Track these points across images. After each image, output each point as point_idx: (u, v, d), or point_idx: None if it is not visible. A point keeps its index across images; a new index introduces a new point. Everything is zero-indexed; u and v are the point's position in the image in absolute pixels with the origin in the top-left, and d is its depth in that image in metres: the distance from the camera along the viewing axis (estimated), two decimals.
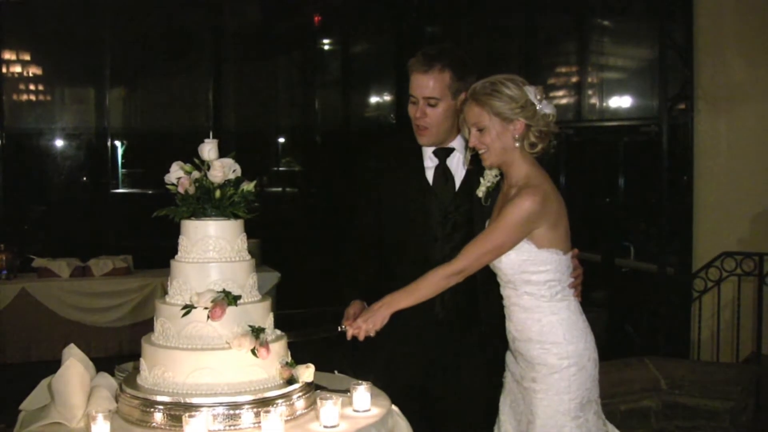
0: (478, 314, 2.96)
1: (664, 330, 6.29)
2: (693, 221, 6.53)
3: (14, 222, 8.22)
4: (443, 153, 3.00)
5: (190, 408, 2.29)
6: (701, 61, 6.45)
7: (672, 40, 6.49)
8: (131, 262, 7.22)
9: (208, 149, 2.54)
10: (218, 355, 2.37)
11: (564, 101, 8.32)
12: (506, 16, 8.61)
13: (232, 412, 2.31)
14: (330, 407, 2.34)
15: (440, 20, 9.31)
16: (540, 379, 2.62)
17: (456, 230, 2.95)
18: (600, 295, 7.25)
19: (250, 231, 2.59)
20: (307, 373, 2.47)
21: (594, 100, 8.12)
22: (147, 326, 2.62)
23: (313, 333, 2.73)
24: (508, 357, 2.78)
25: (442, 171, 2.99)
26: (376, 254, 3.08)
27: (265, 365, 2.42)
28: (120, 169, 9.08)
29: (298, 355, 2.59)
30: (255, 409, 2.32)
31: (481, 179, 2.78)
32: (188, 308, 2.39)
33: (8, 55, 8.33)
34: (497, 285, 2.73)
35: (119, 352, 6.72)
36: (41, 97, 8.66)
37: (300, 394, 2.46)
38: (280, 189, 9.88)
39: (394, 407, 2.60)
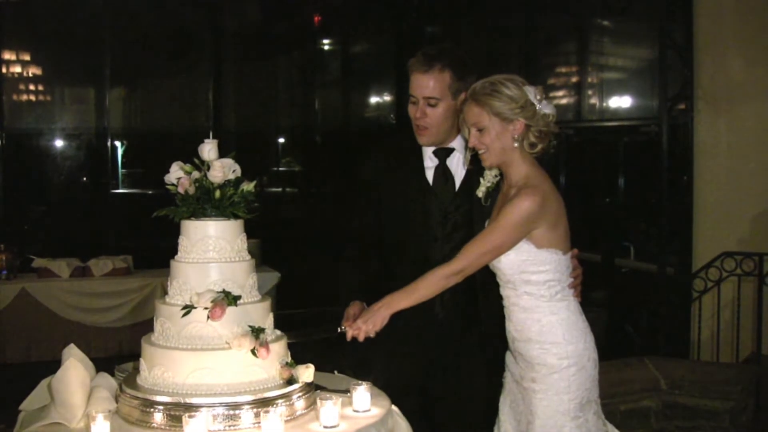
0: (478, 314, 2.95)
1: (664, 330, 6.29)
2: (693, 221, 6.53)
3: (14, 222, 8.22)
4: (443, 153, 3.00)
5: (190, 408, 2.29)
6: (701, 61, 6.45)
7: (672, 40, 6.49)
8: (131, 262, 7.22)
9: (208, 149, 2.54)
10: (218, 355, 2.37)
11: (564, 101, 8.32)
12: (506, 16, 8.61)
13: (232, 412, 2.31)
14: (330, 407, 2.34)
15: (440, 20, 9.31)
16: (539, 380, 2.62)
17: (456, 230, 2.95)
18: (600, 295, 7.25)
19: (250, 231, 2.59)
20: (306, 373, 2.47)
21: (594, 100, 8.12)
22: (147, 326, 2.62)
23: (313, 333, 2.73)
24: (508, 357, 2.78)
25: (442, 171, 2.99)
26: (376, 254, 3.08)
27: (265, 365, 2.42)
28: (120, 169, 9.08)
29: (298, 355, 2.59)
30: (255, 410, 2.32)
31: (481, 179, 2.78)
32: (188, 308, 2.39)
33: (8, 55, 8.32)
34: (497, 285, 2.73)
35: (119, 352, 6.71)
36: (41, 97, 8.66)
37: (300, 394, 2.46)
38: (280, 189, 9.88)
39: (394, 407, 2.60)
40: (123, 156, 9.07)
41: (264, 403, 2.34)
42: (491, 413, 2.83)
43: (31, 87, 8.56)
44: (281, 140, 9.98)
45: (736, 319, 5.81)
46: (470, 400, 2.98)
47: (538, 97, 2.59)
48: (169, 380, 2.37)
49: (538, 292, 2.62)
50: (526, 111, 2.58)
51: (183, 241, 2.52)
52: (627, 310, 7.09)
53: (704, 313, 6.04)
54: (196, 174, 2.52)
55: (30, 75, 8.50)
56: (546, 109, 2.60)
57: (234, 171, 2.54)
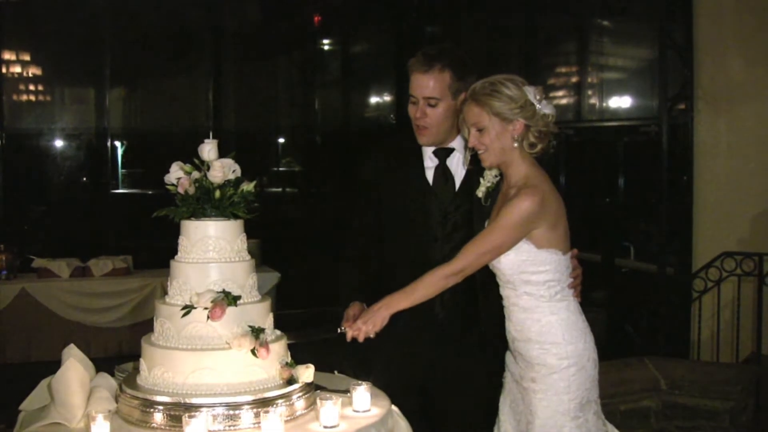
0: (478, 314, 2.95)
1: (664, 330, 6.29)
2: (693, 221, 6.53)
3: (14, 222, 8.22)
4: (443, 153, 2.99)
5: (190, 408, 2.29)
6: (701, 61, 6.45)
7: (672, 40, 6.49)
8: (131, 262, 7.22)
9: (208, 149, 2.54)
10: (218, 355, 2.37)
11: (564, 101, 8.32)
12: (506, 16, 8.61)
13: (231, 412, 2.31)
14: (330, 407, 2.34)
15: (440, 20, 9.31)
16: (539, 380, 2.62)
17: (456, 230, 2.95)
18: (600, 295, 7.25)
19: (250, 231, 2.59)
20: (306, 373, 2.47)
21: (594, 101, 8.12)
22: (147, 326, 2.62)
23: (312, 334, 2.73)
24: (508, 357, 2.78)
25: (442, 171, 2.99)
26: (375, 254, 3.08)
27: (265, 365, 2.42)
28: (120, 169, 9.08)
29: (298, 355, 2.59)
30: (255, 410, 2.32)
31: (481, 179, 2.78)
32: (188, 308, 2.39)
33: (8, 55, 8.32)
34: (497, 285, 2.73)
35: (119, 352, 6.72)
36: (41, 97, 8.66)
37: (300, 394, 2.46)
38: (280, 189, 9.88)
39: (394, 407, 2.60)
40: (123, 156, 9.07)
41: (264, 403, 2.34)
42: (491, 413, 2.83)
43: (31, 87, 8.56)
44: (281, 140, 9.98)
45: (736, 319, 5.81)
46: (470, 400, 2.98)
47: (538, 98, 2.59)
48: (169, 380, 2.37)
49: (537, 292, 2.62)
50: (525, 111, 2.58)
51: (183, 241, 2.52)
52: (627, 310, 7.09)
53: (704, 313, 6.03)
54: (196, 174, 2.51)
55: (30, 75, 8.50)
56: (546, 109, 2.60)
57: (234, 171, 2.54)
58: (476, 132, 2.63)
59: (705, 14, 6.44)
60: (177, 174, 2.53)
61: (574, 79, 8.33)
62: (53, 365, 2.48)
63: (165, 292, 2.56)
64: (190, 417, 2.21)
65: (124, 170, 9.12)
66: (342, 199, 8.79)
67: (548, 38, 8.50)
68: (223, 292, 2.41)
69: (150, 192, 8.80)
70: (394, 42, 9.73)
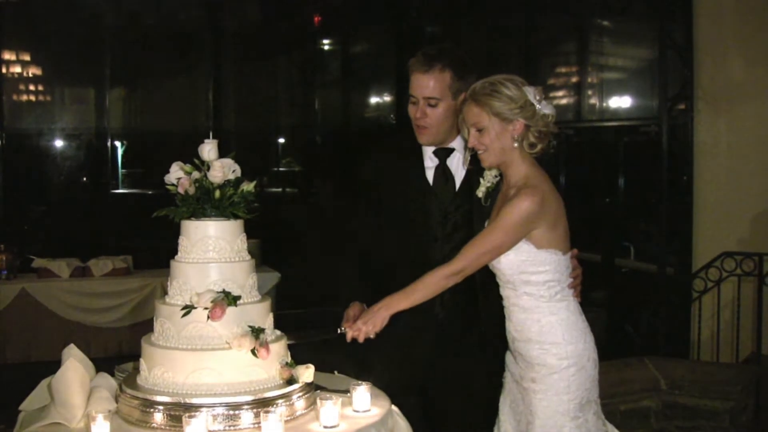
0: (478, 314, 2.95)
1: (664, 330, 6.29)
2: (693, 221, 6.53)
3: (14, 222, 8.22)
4: (443, 153, 2.99)
5: (190, 408, 2.29)
6: (701, 61, 6.45)
7: (672, 40, 6.49)
8: (131, 262, 7.22)
9: (208, 149, 2.54)
10: (218, 355, 2.37)
11: (564, 101, 8.32)
12: (506, 16, 8.61)
13: (231, 412, 2.31)
14: (330, 407, 2.34)
15: (440, 20, 9.31)
16: (539, 380, 2.62)
17: (456, 230, 2.95)
18: (600, 295, 7.25)
19: (250, 231, 2.59)
20: (306, 373, 2.47)
21: (594, 101, 8.12)
22: (147, 326, 2.62)
23: (312, 335, 2.73)
24: (508, 357, 2.78)
25: (442, 171, 2.99)
26: (376, 254, 3.08)
27: (265, 365, 2.42)
28: (120, 169, 9.08)
29: (298, 355, 2.59)
30: (255, 410, 2.32)
31: (481, 179, 2.78)
32: (188, 308, 2.39)
33: (8, 55, 8.32)
34: (497, 285, 2.73)
35: (119, 352, 6.71)
36: (41, 97, 8.66)
37: (300, 394, 2.46)
38: (280, 189, 9.88)
39: (394, 407, 2.60)
40: (123, 156, 9.07)
41: (264, 403, 2.34)
42: (491, 413, 2.83)
43: (31, 87, 8.56)
44: (281, 140, 9.98)
45: (736, 319, 5.81)
46: (470, 400, 2.98)
47: (538, 98, 2.59)
48: (169, 380, 2.37)
49: (537, 293, 2.62)
50: (525, 111, 2.58)
51: (183, 241, 2.52)
52: (627, 310, 7.09)
53: (704, 313, 6.03)
54: (196, 174, 2.51)
55: (30, 75, 8.50)
56: (545, 109, 2.60)
57: (234, 171, 2.54)
58: (476, 132, 2.63)
59: (705, 14, 6.44)
60: (177, 174, 2.53)
61: (574, 79, 8.33)
62: (53, 365, 2.48)
63: (165, 292, 2.56)
64: (190, 417, 2.21)
65: (124, 170, 9.12)
66: (342, 199, 8.79)
67: (548, 38, 8.51)
68: (223, 292, 2.41)
69: (150, 192, 8.80)
70: (394, 42, 9.73)
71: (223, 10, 9.07)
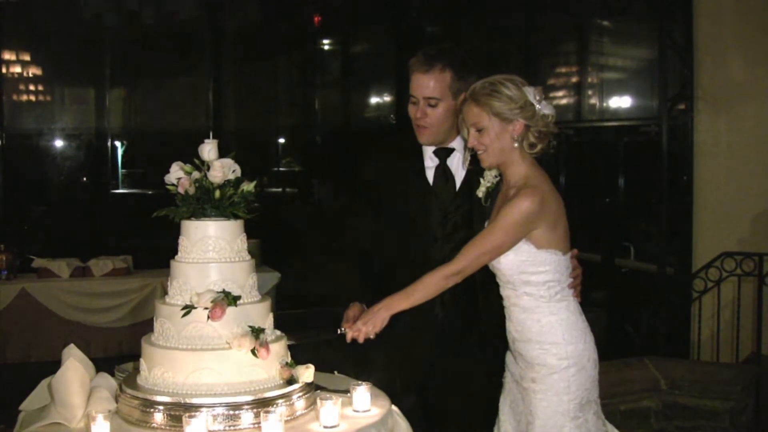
0: (478, 314, 2.95)
1: (664, 330, 6.29)
2: (693, 221, 6.53)
3: (14, 222, 8.22)
4: (444, 153, 2.99)
5: (190, 408, 2.29)
6: (701, 61, 6.45)
7: (672, 40, 6.49)
8: (131, 262, 7.22)
9: (208, 149, 2.54)
10: (218, 355, 2.37)
11: (564, 101, 8.32)
12: (506, 16, 8.62)
13: (232, 412, 2.31)
14: (330, 407, 2.34)
15: (440, 20, 9.31)
16: (539, 380, 2.62)
17: (456, 230, 2.94)
18: (600, 295, 7.25)
19: (249, 231, 2.59)
20: (306, 373, 2.47)
21: (594, 101, 8.12)
22: (147, 326, 2.62)
23: (312, 335, 2.73)
24: (508, 357, 2.78)
25: (443, 171, 2.99)
26: (376, 254, 3.08)
27: (265, 365, 2.42)
28: (120, 169, 9.08)
29: (298, 355, 2.59)
30: (255, 410, 2.32)
31: (481, 179, 2.78)
32: (188, 308, 2.39)
33: (8, 55, 8.32)
34: (497, 285, 2.72)
35: (119, 352, 6.71)
36: (41, 97, 8.66)
37: (300, 394, 2.46)
38: (280, 189, 9.88)
39: (393, 407, 2.60)
40: (123, 156, 9.07)
41: (264, 403, 2.34)
42: (491, 413, 2.83)
43: (31, 87, 8.56)
44: (281, 140, 9.98)
45: (736, 319, 5.81)
46: (470, 400, 2.98)
47: (538, 98, 2.59)
48: (169, 380, 2.37)
49: (537, 293, 2.62)
50: (525, 111, 2.58)
51: (183, 241, 2.52)
52: (627, 310, 7.09)
53: (704, 313, 6.03)
54: (196, 174, 2.51)
55: (30, 75, 8.50)
56: (545, 109, 2.60)
57: (234, 171, 2.54)
58: (476, 132, 2.62)
59: (705, 14, 6.44)
60: (177, 174, 2.53)
61: (574, 79, 8.33)
62: (53, 365, 2.48)
63: (165, 292, 2.56)
64: (190, 417, 2.21)
65: (124, 170, 9.12)
66: (342, 199, 8.79)
67: (548, 38, 8.51)
68: (223, 292, 2.41)
69: (150, 192, 8.81)
70: (394, 42, 9.73)
71: (223, 10, 9.07)
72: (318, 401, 2.38)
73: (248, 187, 2.55)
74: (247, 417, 2.31)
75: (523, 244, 2.59)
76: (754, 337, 5.86)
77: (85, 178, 8.87)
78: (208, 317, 2.38)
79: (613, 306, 7.23)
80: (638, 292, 7.12)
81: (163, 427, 2.31)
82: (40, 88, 8.61)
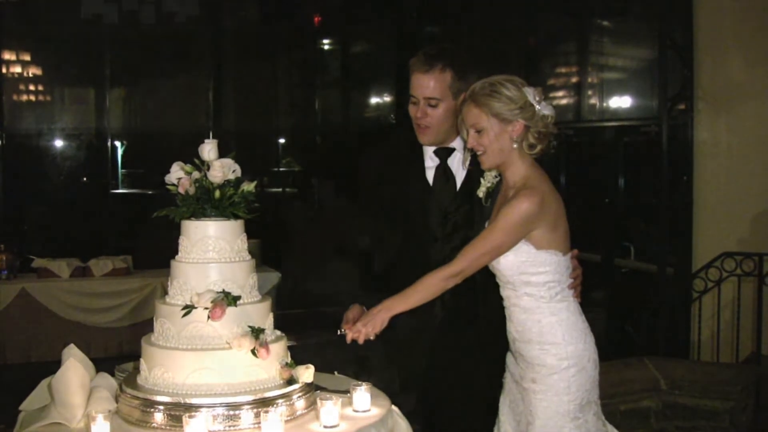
0: (478, 315, 2.95)
1: (664, 330, 6.28)
2: (693, 221, 6.53)
3: (14, 222, 8.22)
4: (444, 153, 2.99)
5: (190, 408, 2.29)
6: (701, 61, 6.45)
7: (672, 41, 6.49)
8: (131, 262, 7.22)
9: (208, 149, 2.54)
10: (218, 355, 2.37)
11: (564, 102, 8.32)
12: (506, 16, 8.61)
13: (232, 412, 2.31)
14: (330, 407, 2.34)
15: (440, 20, 9.31)
16: (539, 380, 2.61)
17: (456, 231, 2.94)
18: (600, 296, 7.25)
19: (249, 231, 2.59)
20: (306, 373, 2.47)
21: (594, 101, 8.12)
22: (147, 326, 2.62)
23: (312, 337, 2.73)
24: (509, 358, 2.77)
25: (443, 171, 2.98)
26: (376, 255, 3.08)
27: (265, 365, 2.42)
28: (120, 169, 9.08)
29: (299, 355, 2.59)
30: (255, 410, 2.32)
31: (482, 179, 2.77)
32: (188, 308, 2.39)
33: (8, 56, 8.33)
34: (497, 286, 2.72)
35: (119, 352, 6.71)
36: (41, 98, 8.66)
37: (300, 394, 2.46)
38: (280, 189, 9.88)
39: (393, 407, 2.60)
40: (123, 156, 9.07)
41: (264, 403, 2.34)
42: (491, 413, 2.83)
43: (31, 87, 8.56)
44: (281, 140, 9.98)
45: (736, 319, 5.80)
46: (470, 400, 2.98)
47: (537, 98, 2.58)
48: (169, 380, 2.37)
49: (538, 293, 2.61)
50: (525, 112, 2.57)
51: (183, 241, 2.52)
52: (627, 310, 7.09)
53: (704, 313, 6.03)
54: (196, 174, 2.51)
55: (30, 75, 8.50)
56: (545, 110, 2.59)
57: (234, 171, 2.54)
58: (475, 133, 2.62)
59: (705, 14, 6.44)
60: (177, 174, 2.53)
61: (574, 80, 8.33)
62: (53, 365, 2.48)
63: (165, 292, 2.56)
64: (190, 417, 2.21)
65: (124, 170, 9.12)
66: (342, 199, 8.80)
67: (548, 38, 8.51)
68: (223, 292, 2.41)
69: (150, 192, 8.81)
70: (394, 42, 9.73)
71: (223, 10, 9.08)
72: (318, 401, 2.38)
73: (248, 187, 2.54)
74: (247, 417, 2.31)
75: (522, 244, 2.59)
76: (754, 337, 5.86)
77: (85, 178, 8.87)
78: (208, 317, 2.38)
79: (613, 306, 7.23)
80: (638, 292, 7.12)
81: (163, 427, 2.31)
82: (40, 88, 8.61)
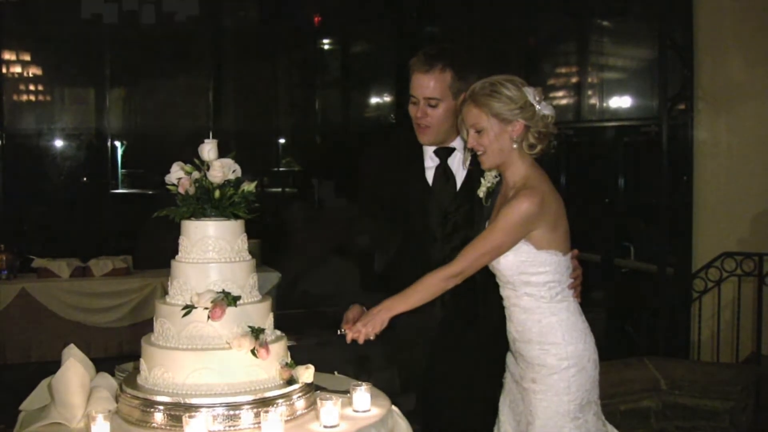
0: (479, 315, 2.95)
1: (664, 330, 6.28)
2: (693, 221, 6.53)
3: (14, 222, 8.22)
4: (444, 152, 2.99)
5: (190, 408, 2.29)
6: (701, 61, 6.45)
7: (672, 41, 6.49)
8: (131, 262, 7.21)
9: (208, 149, 2.53)
10: (218, 355, 2.37)
11: (564, 102, 8.33)
12: (506, 16, 8.61)
13: (231, 412, 2.31)
14: (330, 407, 2.34)
15: (440, 20, 9.31)
16: (539, 380, 2.61)
17: (456, 231, 2.94)
18: (600, 296, 7.25)
19: (249, 231, 2.59)
20: (306, 374, 2.47)
21: (594, 101, 8.13)
22: (147, 326, 2.62)
23: (312, 337, 2.73)
24: (509, 358, 2.77)
25: (443, 171, 2.98)
26: (376, 255, 3.08)
27: (265, 365, 2.42)
28: (120, 169, 9.08)
29: (298, 355, 2.59)
30: (255, 410, 2.32)
31: (482, 179, 2.77)
32: (188, 308, 2.39)
33: (8, 56, 8.33)
34: (497, 286, 2.72)
35: (119, 352, 6.70)
36: (41, 98, 8.66)
37: (300, 394, 2.46)
38: (279, 189, 9.88)
39: (394, 407, 2.60)
40: (123, 156, 9.07)
41: (264, 403, 2.34)
42: (491, 413, 2.83)
43: (31, 87, 8.56)
44: (281, 140, 9.98)
45: (736, 319, 5.80)
46: (470, 400, 2.98)
47: (538, 98, 2.58)
48: (169, 380, 2.37)
49: (538, 293, 2.61)
50: (525, 112, 2.57)
51: (183, 241, 2.52)
52: (627, 310, 7.09)
53: (704, 313, 6.03)
54: (196, 174, 2.51)
55: (30, 75, 8.50)
56: (545, 110, 2.59)
57: (234, 171, 2.54)
58: (475, 133, 2.62)
59: (705, 14, 6.44)
60: (178, 174, 2.53)
61: (574, 80, 8.33)
62: (53, 365, 2.48)
63: (165, 292, 2.56)
64: (190, 417, 2.21)
65: (124, 170, 9.12)
66: (342, 199, 8.80)
67: (548, 38, 8.51)
68: (223, 292, 2.41)
69: (150, 192, 8.81)
70: (394, 42, 9.73)
71: (223, 10, 9.08)
72: (318, 401, 2.38)
73: (249, 187, 2.54)
74: (247, 417, 2.31)
75: (522, 244, 2.58)
76: (754, 337, 5.86)
77: (85, 178, 8.87)
78: (208, 317, 2.38)
79: (613, 306, 7.23)
80: (638, 292, 7.12)
81: (163, 427, 2.31)
82: (40, 88, 8.61)
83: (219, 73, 9.01)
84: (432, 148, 2.99)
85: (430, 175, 2.99)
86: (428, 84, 2.86)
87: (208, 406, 2.30)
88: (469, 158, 2.78)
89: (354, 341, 2.65)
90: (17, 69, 8.40)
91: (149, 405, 2.34)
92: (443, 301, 2.88)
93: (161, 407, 2.32)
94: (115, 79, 8.78)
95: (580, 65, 8.27)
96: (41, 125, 8.59)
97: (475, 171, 2.84)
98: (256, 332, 2.39)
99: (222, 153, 2.56)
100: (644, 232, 7.48)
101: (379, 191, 3.06)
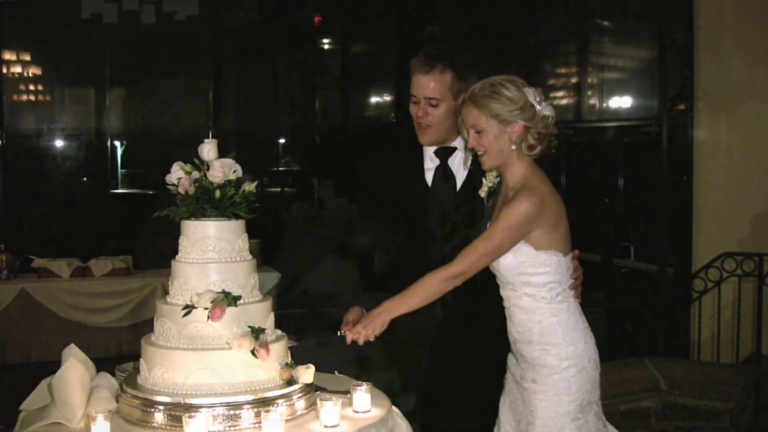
0: (479, 315, 2.95)
1: (664, 330, 6.29)
2: (693, 221, 6.52)
3: (14, 222, 8.22)
4: (445, 153, 2.99)
5: (190, 408, 2.29)
6: (701, 61, 6.45)
7: (672, 41, 6.49)
8: (131, 262, 7.21)
9: (208, 149, 2.53)
10: (218, 355, 2.37)
11: (564, 102, 8.32)
12: (506, 16, 8.61)
13: (232, 412, 2.31)
14: (330, 407, 2.34)
15: (440, 20, 9.31)
16: (540, 380, 2.61)
17: (456, 231, 2.94)
18: (600, 296, 7.25)
19: (250, 231, 2.59)
20: (307, 374, 2.47)
21: (594, 101, 8.12)
22: (147, 326, 2.62)
23: (312, 337, 2.73)
24: (510, 358, 2.77)
25: (443, 171, 2.98)
26: (375, 255, 3.08)
27: (265, 366, 2.41)
28: (120, 169, 9.08)
29: (298, 355, 2.59)
30: (255, 410, 2.32)
31: (483, 179, 2.77)
32: (189, 308, 2.39)
33: (8, 56, 8.33)
34: (498, 286, 2.72)
35: (119, 352, 6.71)
36: (41, 98, 8.66)
37: (300, 394, 2.46)
38: (279, 189, 9.88)
39: (394, 408, 2.60)
40: (123, 156, 9.07)
41: (264, 403, 2.34)
42: (491, 413, 2.83)
43: (31, 87, 8.56)
44: (281, 140, 9.98)
45: (736, 319, 5.81)
46: (470, 400, 2.98)
47: (538, 99, 2.58)
48: (169, 380, 2.37)
49: (538, 294, 2.61)
50: (525, 113, 2.57)
51: (183, 242, 2.52)
52: (627, 310, 7.09)
53: (704, 313, 6.03)
54: (196, 174, 2.51)
55: (30, 75, 8.50)
56: (545, 110, 2.59)
57: (234, 171, 2.54)
58: (475, 134, 2.62)
59: (705, 14, 6.44)
60: (178, 174, 2.53)
61: (574, 80, 8.33)
62: (53, 365, 2.48)
63: (166, 292, 2.56)
64: (190, 417, 2.21)
65: (124, 170, 9.12)
66: (342, 199, 8.80)
67: (548, 38, 8.51)
68: (223, 292, 2.41)
69: (150, 192, 8.81)
70: (394, 42, 9.73)
71: (223, 10, 9.08)
72: (318, 402, 2.38)
73: (249, 187, 2.54)
74: (247, 417, 2.31)
75: (522, 245, 2.58)
76: (754, 337, 5.86)
77: (85, 178, 8.87)
78: (208, 317, 2.38)
79: (613, 306, 7.23)
80: (638, 292, 7.12)
81: (163, 427, 2.31)
82: (40, 88, 8.61)
83: (219, 73, 9.00)
84: (432, 149, 2.99)
85: (429, 176, 2.99)
86: (428, 85, 2.87)
87: (209, 406, 2.30)
88: (470, 158, 2.78)
89: (354, 342, 2.65)
90: (17, 69, 8.40)
91: (149, 405, 2.34)
92: (444, 301, 2.88)
93: (161, 407, 2.32)
94: (115, 79, 8.78)
95: (580, 65, 8.26)
96: (41, 125, 8.59)
97: (477, 171, 2.84)
98: (256, 332, 2.39)
99: (222, 153, 2.56)
100: (644, 233, 7.48)
101: (379, 191, 3.06)
